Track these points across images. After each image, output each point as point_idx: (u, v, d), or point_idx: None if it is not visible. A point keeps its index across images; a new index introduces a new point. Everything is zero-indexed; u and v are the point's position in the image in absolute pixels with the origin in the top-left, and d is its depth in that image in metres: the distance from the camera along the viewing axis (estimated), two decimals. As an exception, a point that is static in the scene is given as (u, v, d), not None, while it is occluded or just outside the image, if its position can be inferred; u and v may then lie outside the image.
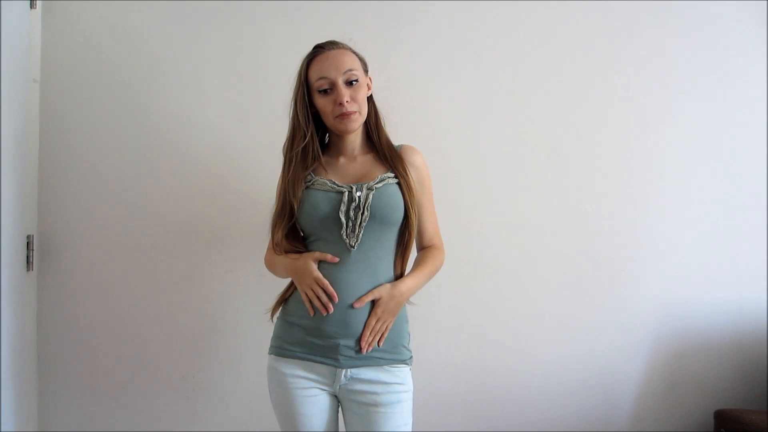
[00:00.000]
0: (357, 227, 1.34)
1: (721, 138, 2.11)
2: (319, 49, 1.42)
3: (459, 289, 1.96)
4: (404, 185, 1.39)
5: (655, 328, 2.08)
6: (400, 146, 1.49)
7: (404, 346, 1.40)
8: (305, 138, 1.41)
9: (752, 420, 1.86)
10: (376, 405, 1.33)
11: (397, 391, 1.35)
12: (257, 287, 1.88)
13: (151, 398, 1.88)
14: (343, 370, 1.35)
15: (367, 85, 1.44)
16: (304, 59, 1.43)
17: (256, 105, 1.91)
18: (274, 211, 1.46)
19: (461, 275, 1.96)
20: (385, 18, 1.96)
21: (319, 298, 1.34)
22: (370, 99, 1.46)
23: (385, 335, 1.36)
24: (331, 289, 1.33)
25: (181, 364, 1.90)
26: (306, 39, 1.81)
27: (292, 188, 1.39)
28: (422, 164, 1.49)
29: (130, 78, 1.88)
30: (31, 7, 1.75)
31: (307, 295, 1.35)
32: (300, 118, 1.41)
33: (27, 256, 1.74)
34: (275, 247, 1.43)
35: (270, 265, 1.51)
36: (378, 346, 1.35)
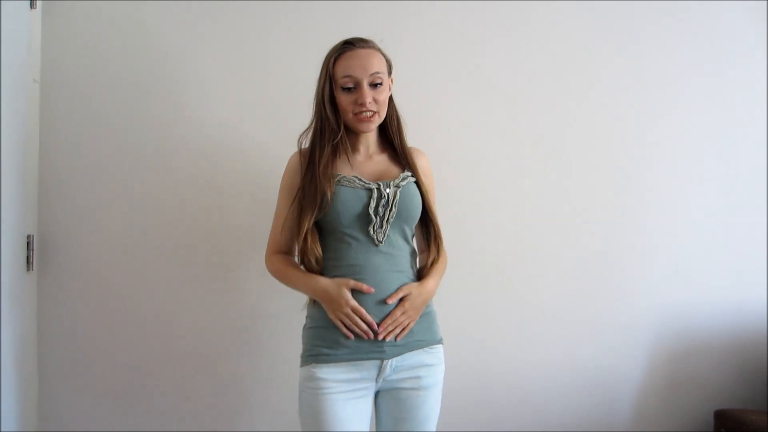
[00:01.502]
0: (384, 223, 1.37)
1: (722, 138, 2.11)
2: (349, 46, 1.39)
3: (459, 288, 1.96)
4: (420, 184, 1.45)
5: (655, 328, 2.08)
6: (409, 148, 1.52)
7: (436, 327, 1.46)
8: (337, 134, 1.40)
9: (752, 420, 1.86)
10: (418, 389, 1.38)
11: (438, 372, 1.42)
12: (258, 287, 1.88)
13: (151, 398, 1.88)
14: (389, 361, 1.36)
15: (389, 85, 1.45)
16: (332, 53, 1.41)
17: (257, 104, 1.91)
18: (280, 212, 1.46)
19: (461, 275, 1.95)
20: (385, 18, 1.96)
21: (358, 326, 1.34)
22: (390, 100, 1.47)
23: (406, 331, 1.37)
24: (369, 318, 1.34)
25: (181, 364, 1.89)
26: (309, 39, 1.82)
27: (327, 182, 1.36)
28: (427, 167, 1.53)
29: (130, 78, 1.88)
30: (31, 7, 1.75)
31: (342, 321, 1.35)
32: (329, 113, 1.40)
33: (27, 256, 1.74)
34: (304, 255, 1.39)
35: (280, 276, 1.47)
36: (395, 340, 1.36)
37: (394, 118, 1.48)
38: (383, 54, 1.44)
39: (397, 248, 1.40)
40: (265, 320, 1.88)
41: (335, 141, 1.40)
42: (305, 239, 1.37)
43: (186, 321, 1.89)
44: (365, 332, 1.33)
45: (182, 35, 1.89)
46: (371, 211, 1.36)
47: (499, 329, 2.01)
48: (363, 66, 1.36)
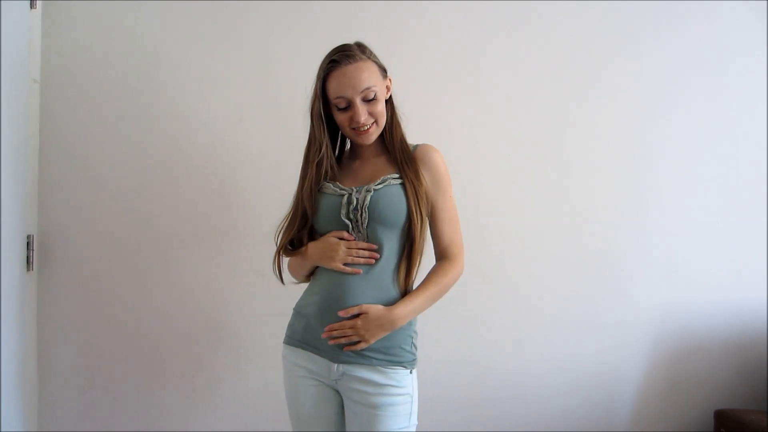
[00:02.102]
0: (360, 228, 1.36)
1: (722, 138, 2.11)
2: (334, 64, 1.34)
3: (459, 288, 1.96)
4: (410, 189, 1.36)
5: (655, 328, 2.08)
6: (417, 146, 1.45)
7: (403, 348, 1.36)
8: (320, 150, 1.40)
9: (752, 420, 1.86)
10: (369, 406, 1.33)
11: (390, 393, 1.32)
12: (258, 287, 1.88)
13: (151, 398, 1.88)
14: (335, 365, 1.35)
15: (387, 86, 1.42)
16: (320, 71, 1.37)
17: (257, 104, 1.91)
18: (286, 216, 1.47)
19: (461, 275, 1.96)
20: (385, 18, 1.96)
21: (362, 255, 1.35)
22: (389, 100, 1.44)
23: (354, 347, 1.33)
24: (365, 243, 1.36)
25: (181, 364, 1.89)
26: (308, 39, 1.82)
27: (308, 198, 1.40)
28: (439, 163, 1.42)
29: (130, 78, 1.88)
30: (31, 7, 1.75)
31: (345, 264, 1.36)
32: (316, 131, 1.40)
33: (27, 256, 1.74)
34: (287, 250, 1.46)
35: (290, 268, 1.53)
36: (341, 349, 1.34)
37: (389, 116, 1.43)
38: (373, 60, 1.37)
39: (382, 254, 1.36)
40: (265, 320, 1.88)
41: (320, 156, 1.39)
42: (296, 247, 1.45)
43: (185, 321, 1.89)
44: (371, 256, 1.35)
45: (182, 35, 1.89)
46: (343, 217, 1.36)
47: (499, 329, 2.01)
48: (352, 85, 1.33)
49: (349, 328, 1.32)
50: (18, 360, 1.64)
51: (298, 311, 1.46)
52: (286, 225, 1.46)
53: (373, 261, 1.35)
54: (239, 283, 1.91)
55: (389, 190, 1.36)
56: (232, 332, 1.91)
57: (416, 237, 1.36)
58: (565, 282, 2.04)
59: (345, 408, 1.40)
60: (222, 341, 1.91)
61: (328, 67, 1.35)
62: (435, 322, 1.93)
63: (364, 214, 1.35)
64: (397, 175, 1.38)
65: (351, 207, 1.36)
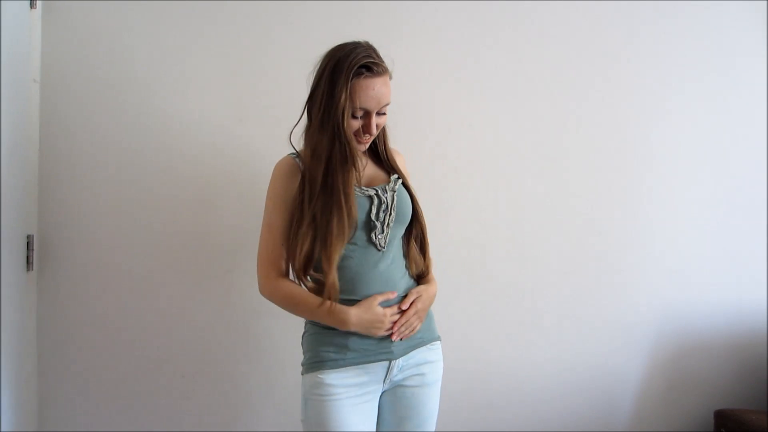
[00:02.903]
0: (385, 228, 1.37)
1: (722, 138, 2.11)
2: (369, 72, 1.29)
3: (459, 288, 1.97)
4: (405, 184, 1.46)
5: (655, 328, 2.08)
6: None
7: (435, 325, 1.50)
8: (348, 155, 1.32)
9: (752, 420, 1.86)
10: (421, 386, 1.40)
11: (438, 368, 1.45)
12: (257, 287, 1.88)
13: (151, 398, 1.88)
14: (397, 360, 1.37)
15: None
16: (347, 72, 1.27)
17: (257, 105, 1.91)
18: (275, 225, 1.39)
19: (461, 275, 1.96)
20: (384, 17, 1.96)
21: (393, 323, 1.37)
22: None
23: (414, 331, 1.40)
24: (397, 308, 1.37)
25: (181, 364, 1.89)
26: (306, 39, 1.82)
27: (350, 202, 1.30)
28: (404, 166, 1.55)
29: (130, 78, 1.87)
30: (31, 7, 1.75)
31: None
32: (344, 127, 1.30)
33: (27, 256, 1.74)
34: (330, 288, 1.29)
35: (291, 304, 1.38)
36: (400, 339, 1.38)
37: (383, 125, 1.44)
38: (389, 71, 1.36)
39: (397, 251, 1.43)
40: (265, 320, 1.88)
41: (349, 160, 1.32)
42: (334, 285, 1.30)
43: (185, 321, 1.89)
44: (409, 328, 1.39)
45: (182, 35, 1.89)
46: (373, 218, 1.36)
47: (499, 329, 2.01)
48: (378, 99, 1.30)
49: (413, 316, 1.38)
50: (18, 360, 1.64)
51: (326, 331, 1.36)
52: (304, 238, 1.30)
53: (411, 332, 1.39)
54: (239, 282, 1.91)
55: (402, 190, 1.44)
56: (233, 332, 1.91)
57: (423, 222, 1.46)
58: (565, 282, 2.04)
59: (387, 401, 1.41)
60: (222, 341, 1.91)
61: (359, 72, 1.28)
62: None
63: (392, 214, 1.38)
64: (397, 176, 1.46)
65: (382, 207, 1.37)
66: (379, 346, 1.36)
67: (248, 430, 1.91)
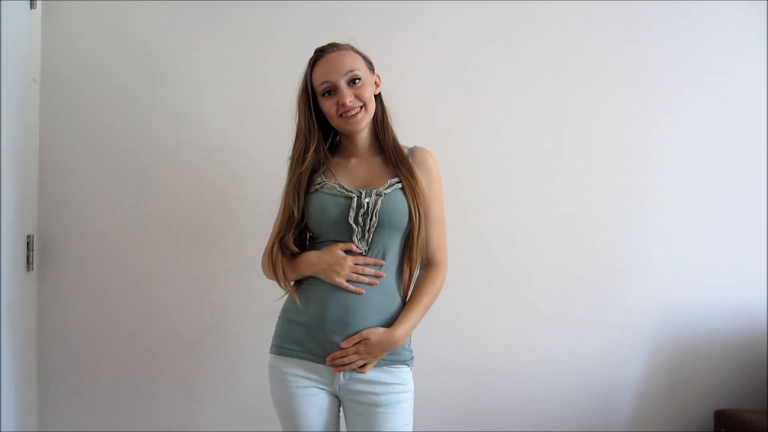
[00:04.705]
0: (366, 232, 1.34)
1: (721, 138, 2.11)
2: (320, 53, 1.40)
3: (459, 288, 1.96)
4: (408, 189, 1.37)
5: (655, 328, 2.08)
6: (413, 148, 1.47)
7: (404, 347, 1.38)
8: (309, 143, 1.39)
9: (752, 420, 1.86)
10: (375, 405, 1.33)
11: (397, 391, 1.35)
12: (257, 287, 1.87)
13: (151, 398, 1.88)
14: (342, 372, 1.35)
15: (375, 83, 1.43)
16: (308, 64, 1.42)
17: (256, 105, 1.91)
18: (278, 215, 1.45)
19: (461, 275, 1.96)
20: (384, 18, 1.96)
21: (367, 273, 1.34)
22: (378, 97, 1.44)
23: (355, 365, 1.33)
24: (372, 259, 1.35)
25: (181, 364, 1.89)
26: (306, 39, 1.81)
27: (293, 196, 1.38)
28: (433, 167, 1.45)
29: (130, 78, 1.88)
30: (31, 7, 1.75)
31: (349, 280, 1.34)
32: (302, 122, 1.41)
33: (27, 256, 1.74)
34: (283, 250, 1.40)
35: (274, 268, 1.41)
36: (341, 373, 1.34)
37: (380, 113, 1.44)
38: (358, 52, 1.42)
39: (391, 261, 1.38)
40: (265, 320, 1.87)
41: (310, 149, 1.38)
42: (288, 248, 1.39)
43: (186, 321, 1.89)
44: (376, 274, 1.34)
45: (182, 36, 1.89)
46: (351, 221, 1.34)
47: (499, 329, 2.01)
48: (336, 68, 1.36)
49: (353, 354, 1.32)
50: (18, 360, 1.64)
51: (289, 319, 1.41)
52: (281, 225, 1.40)
53: (377, 282, 1.34)
54: (239, 283, 1.91)
55: (397, 194, 1.37)
56: (233, 332, 1.91)
57: (415, 236, 1.37)
58: (565, 282, 2.03)
59: (346, 411, 1.39)
60: (222, 341, 1.91)
61: (314, 57, 1.41)
62: (434, 323, 1.92)
63: (374, 219, 1.33)
64: (397, 179, 1.38)
65: (361, 211, 1.34)
66: (324, 348, 1.34)
67: (248, 429, 1.91)
